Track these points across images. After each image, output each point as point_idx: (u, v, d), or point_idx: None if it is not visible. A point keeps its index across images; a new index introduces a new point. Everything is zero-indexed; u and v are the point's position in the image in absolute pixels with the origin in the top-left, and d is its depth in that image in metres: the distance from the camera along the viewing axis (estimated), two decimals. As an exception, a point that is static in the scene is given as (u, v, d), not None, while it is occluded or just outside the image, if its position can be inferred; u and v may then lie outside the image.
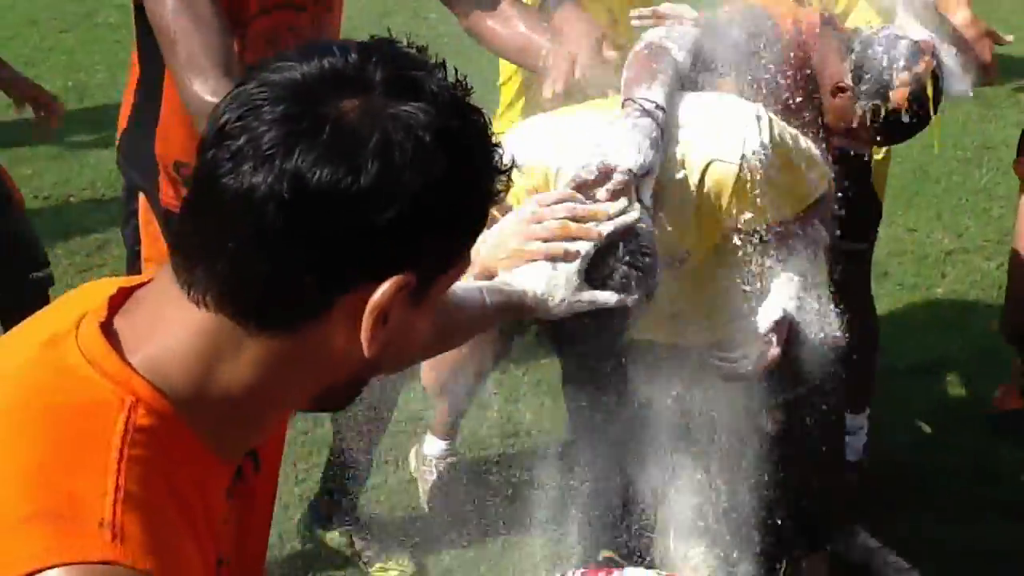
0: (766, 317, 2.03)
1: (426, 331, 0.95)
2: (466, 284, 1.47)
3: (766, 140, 1.99)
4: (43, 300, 2.93)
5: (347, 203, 0.83)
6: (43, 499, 0.80)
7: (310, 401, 0.95)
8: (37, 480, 0.81)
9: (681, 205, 2.01)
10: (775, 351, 2.03)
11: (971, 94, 2.35)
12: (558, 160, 1.97)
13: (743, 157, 1.98)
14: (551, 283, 1.52)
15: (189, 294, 0.87)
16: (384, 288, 0.87)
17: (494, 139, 0.92)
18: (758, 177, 2.00)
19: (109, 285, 0.94)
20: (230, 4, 2.02)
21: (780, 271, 2.07)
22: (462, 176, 0.88)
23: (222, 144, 0.85)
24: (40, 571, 0.77)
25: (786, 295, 2.06)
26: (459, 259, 0.93)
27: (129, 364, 0.87)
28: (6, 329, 2.63)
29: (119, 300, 0.92)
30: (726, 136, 1.99)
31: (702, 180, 2.00)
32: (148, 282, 0.94)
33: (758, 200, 2.02)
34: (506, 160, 0.93)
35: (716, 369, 2.07)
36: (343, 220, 0.84)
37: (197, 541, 0.88)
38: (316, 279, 0.85)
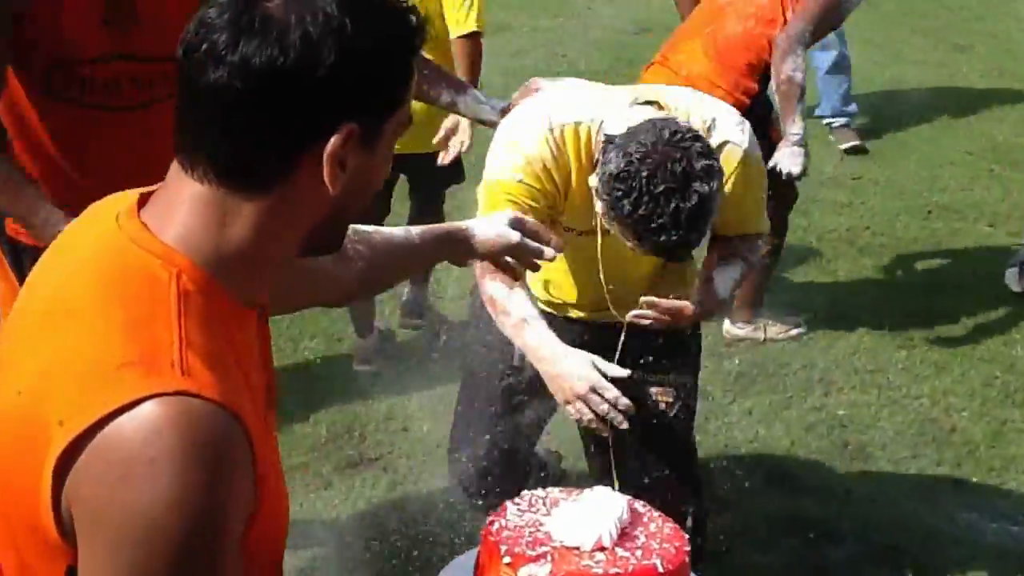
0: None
1: (383, 171, 1.18)
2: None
3: (755, 145, 2.40)
4: None
5: (284, 77, 1.06)
6: (130, 351, 1.02)
7: (305, 248, 1.17)
8: (125, 337, 1.03)
9: None
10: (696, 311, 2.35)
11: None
12: (599, 114, 2.26)
13: (747, 141, 2.36)
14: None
15: (192, 175, 1.10)
16: (333, 140, 1.09)
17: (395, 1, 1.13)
18: (752, 169, 2.37)
19: (132, 193, 1.17)
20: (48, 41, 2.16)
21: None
22: (371, 35, 1.09)
23: (190, 54, 1.09)
24: (132, 403, 0.99)
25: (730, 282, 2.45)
26: (395, 104, 1.14)
27: (164, 243, 1.09)
28: None
29: (143, 200, 1.15)
30: (734, 125, 2.36)
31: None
32: (161, 186, 1.15)
33: (748, 192, 2.38)
34: (412, 16, 1.14)
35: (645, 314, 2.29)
36: (285, 91, 1.07)
37: (243, 373, 1.11)
38: (278, 144, 1.09)
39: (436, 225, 1.78)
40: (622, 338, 2.38)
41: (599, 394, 2.12)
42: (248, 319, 1.16)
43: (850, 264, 4.97)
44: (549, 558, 1.23)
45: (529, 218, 1.76)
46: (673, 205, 2.05)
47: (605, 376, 2.19)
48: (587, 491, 1.34)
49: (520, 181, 2.27)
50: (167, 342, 1.04)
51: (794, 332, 4.31)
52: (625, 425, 2.14)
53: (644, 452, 2.48)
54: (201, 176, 1.10)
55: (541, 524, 1.28)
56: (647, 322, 2.32)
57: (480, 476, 2.57)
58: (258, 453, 1.07)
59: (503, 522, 1.30)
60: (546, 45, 7.57)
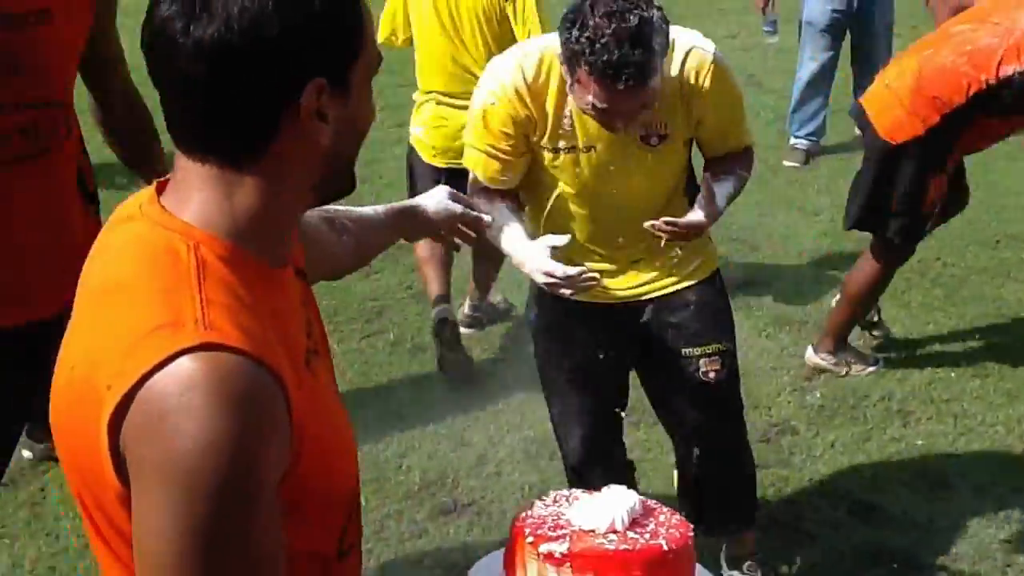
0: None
1: (367, 112, 1.27)
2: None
3: (726, 59, 2.58)
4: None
5: (236, 52, 1.13)
6: (160, 316, 1.12)
7: (319, 197, 1.28)
8: (155, 306, 1.13)
9: (667, 85, 2.42)
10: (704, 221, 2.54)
11: None
12: (552, 45, 2.44)
13: (715, 50, 2.55)
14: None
15: (191, 158, 1.20)
16: (304, 96, 1.17)
17: None
18: (724, 73, 2.55)
19: (151, 187, 1.27)
20: None
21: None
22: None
23: (152, 49, 1.18)
24: (165, 361, 1.08)
25: (724, 194, 2.59)
26: (353, 50, 1.21)
27: (183, 221, 1.19)
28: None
29: (161, 187, 1.25)
30: (701, 38, 2.54)
31: (684, 63, 2.49)
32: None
33: (723, 97, 2.55)
34: None
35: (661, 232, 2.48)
36: (241, 65, 1.14)
37: (277, 326, 1.19)
38: (253, 114, 1.17)
39: (395, 204, 1.93)
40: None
41: (550, 275, 2.38)
42: (280, 279, 1.26)
43: (922, 295, 5.09)
44: (567, 538, 1.41)
45: (462, 196, 1.95)
46: (614, 25, 2.22)
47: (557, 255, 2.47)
48: (605, 489, 1.51)
49: (493, 104, 2.46)
50: (189, 304, 1.13)
51: (872, 369, 4.40)
52: (586, 282, 2.41)
53: (704, 424, 2.73)
54: (198, 157, 1.20)
55: (563, 514, 1.48)
56: (663, 235, 2.49)
57: (587, 457, 2.80)
58: (294, 401, 1.14)
59: (529, 512, 1.50)
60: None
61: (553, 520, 1.47)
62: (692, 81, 2.51)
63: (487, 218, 1.94)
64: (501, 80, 2.47)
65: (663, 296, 2.65)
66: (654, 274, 2.64)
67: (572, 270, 2.36)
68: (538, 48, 2.50)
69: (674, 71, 2.47)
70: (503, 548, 1.54)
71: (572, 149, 2.47)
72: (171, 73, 1.17)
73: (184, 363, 1.09)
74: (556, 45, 2.39)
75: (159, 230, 1.20)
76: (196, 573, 1.08)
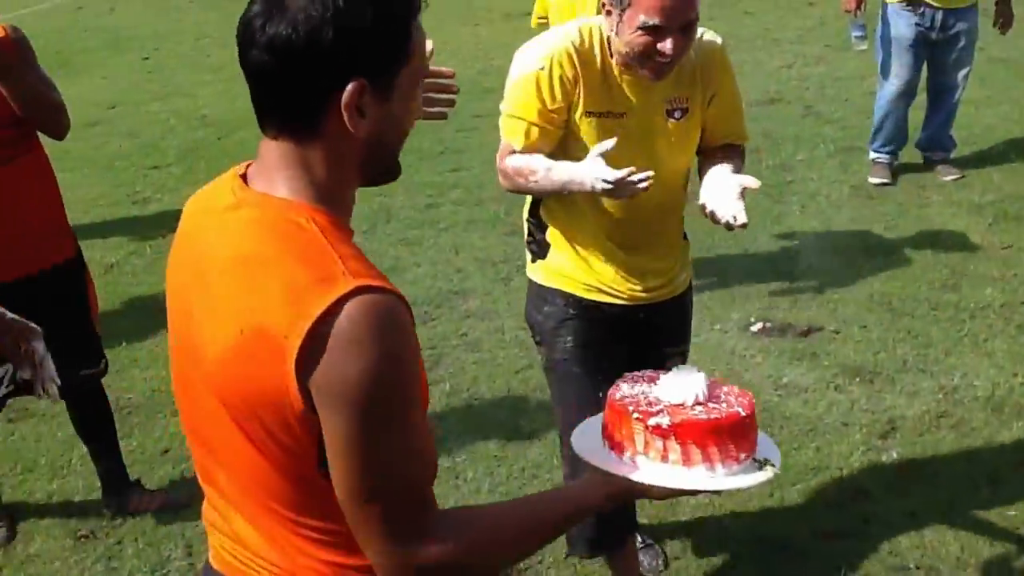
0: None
1: (408, 114, 1.48)
2: None
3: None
4: (97, 392, 3.74)
5: (298, 50, 1.38)
6: (311, 275, 1.36)
7: (367, 179, 1.50)
8: (304, 268, 1.36)
9: (687, 62, 2.65)
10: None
11: None
12: (584, 21, 2.68)
13: (722, 41, 2.77)
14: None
15: (270, 136, 1.46)
16: (346, 92, 1.40)
17: None
18: (729, 61, 2.77)
19: (237, 177, 1.52)
20: None
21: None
22: (364, 12, 1.39)
23: (242, 40, 1.43)
24: (331, 307, 1.33)
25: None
26: (398, 60, 1.43)
27: (285, 199, 1.44)
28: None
29: (243, 177, 1.51)
30: (709, 32, 2.74)
31: (700, 43, 2.67)
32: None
33: (730, 82, 2.76)
34: None
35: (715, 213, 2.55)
36: (301, 60, 1.38)
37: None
38: (309, 99, 1.40)
39: None
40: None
41: (607, 181, 2.47)
42: (352, 236, 1.50)
43: (1008, 342, 4.71)
44: (666, 412, 1.60)
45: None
46: None
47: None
48: (673, 369, 1.69)
49: (543, 69, 2.59)
50: (331, 262, 1.38)
51: None
52: (643, 184, 2.46)
53: None
54: (275, 135, 1.46)
55: (649, 392, 1.66)
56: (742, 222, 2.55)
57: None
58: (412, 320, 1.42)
59: (622, 392, 1.68)
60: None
61: (645, 398, 1.64)
62: (707, 60, 2.71)
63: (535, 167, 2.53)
64: (550, 46, 2.60)
65: (661, 302, 2.86)
66: (661, 281, 2.85)
67: (623, 171, 2.45)
68: (573, 25, 2.67)
69: (692, 50, 2.63)
70: (593, 418, 1.75)
71: (609, 115, 2.61)
72: (250, 61, 1.42)
73: (348, 307, 1.34)
74: (587, 21, 2.65)
75: (271, 210, 1.44)
76: (379, 465, 1.38)
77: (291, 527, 1.49)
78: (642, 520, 3.52)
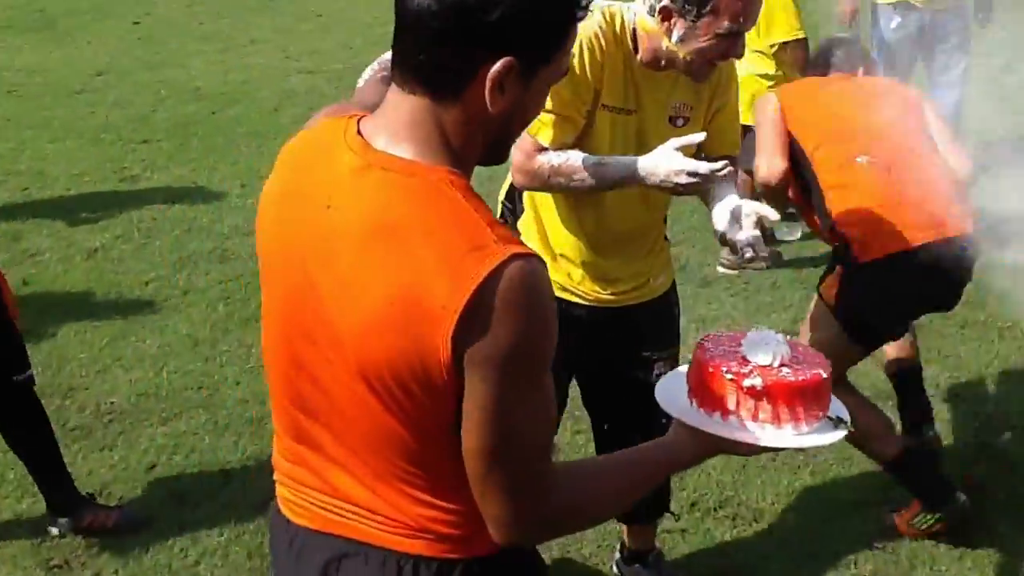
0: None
1: (536, 107, 1.54)
2: None
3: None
4: (29, 399, 3.38)
5: (467, 12, 1.41)
6: (464, 243, 1.40)
7: (484, 157, 1.53)
8: (455, 237, 1.41)
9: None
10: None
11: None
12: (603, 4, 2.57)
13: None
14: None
15: (406, 90, 1.47)
16: (496, 65, 1.43)
17: None
18: (735, 73, 2.72)
19: (341, 125, 1.55)
20: None
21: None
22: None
23: None
24: (489, 276, 1.39)
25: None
26: (550, 48, 1.48)
27: (419, 162, 1.47)
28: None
29: (357, 125, 1.53)
30: None
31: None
32: (358, 116, 1.56)
33: (734, 94, 2.69)
34: None
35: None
36: (465, 23, 1.42)
37: None
38: (460, 62, 1.44)
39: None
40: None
41: (693, 173, 2.40)
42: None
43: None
44: (756, 374, 1.63)
45: None
46: None
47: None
48: (752, 330, 1.72)
49: (572, 56, 2.38)
50: (481, 229, 1.41)
51: None
52: (724, 172, 2.43)
53: (645, 418, 2.57)
54: (412, 89, 1.45)
55: (736, 353, 1.68)
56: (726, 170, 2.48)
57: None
58: None
59: (709, 352, 1.69)
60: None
61: (732, 358, 1.67)
62: (724, 69, 2.63)
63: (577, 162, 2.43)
64: (581, 27, 2.47)
65: (632, 305, 2.79)
66: (632, 284, 2.77)
67: (712, 165, 2.41)
68: (595, 7, 2.54)
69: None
70: (677, 371, 1.79)
71: (623, 111, 2.54)
72: (414, 14, 1.42)
73: (505, 275, 1.38)
74: (608, 4, 2.55)
75: (412, 175, 1.45)
76: (511, 421, 1.44)
77: (403, 478, 1.54)
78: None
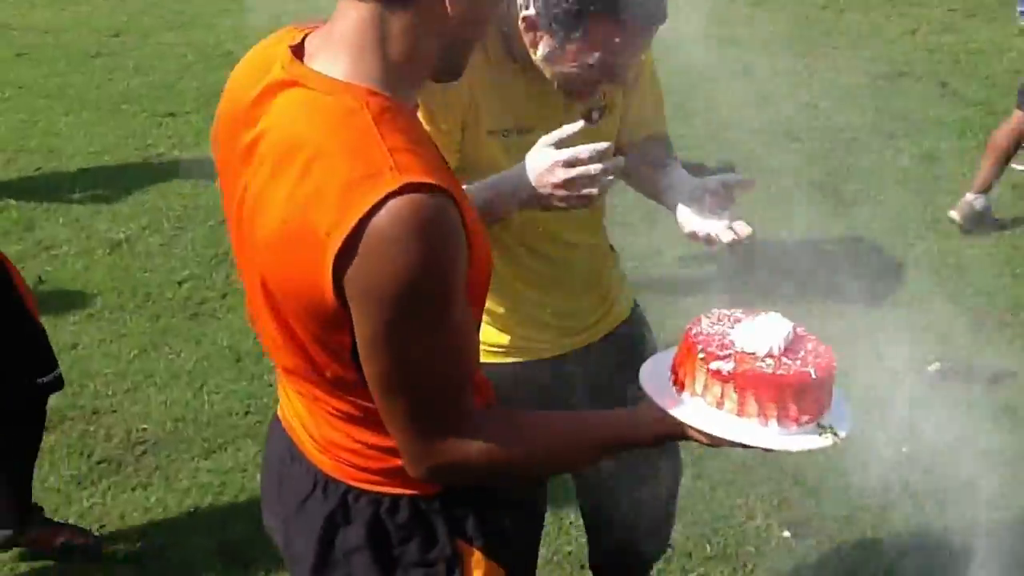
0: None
1: (490, 11, 1.48)
2: None
3: None
4: (42, 404, 3.11)
5: None
6: (359, 168, 1.36)
7: (437, 70, 1.48)
8: (351, 162, 1.37)
9: None
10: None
11: None
12: None
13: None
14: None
15: None
16: None
17: None
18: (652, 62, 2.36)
19: (287, 37, 1.51)
20: None
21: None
22: None
23: None
24: (376, 205, 1.33)
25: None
26: None
27: (343, 81, 1.42)
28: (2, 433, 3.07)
29: (299, 49, 1.49)
30: None
31: None
32: (312, 30, 1.51)
33: (653, 72, 2.34)
34: None
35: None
36: None
37: (436, 151, 1.49)
38: None
39: None
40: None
41: (572, 162, 1.95)
42: (415, 115, 1.54)
43: None
44: (732, 359, 1.56)
45: None
46: None
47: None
48: (763, 314, 1.62)
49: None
50: (380, 155, 1.36)
51: None
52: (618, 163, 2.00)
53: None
54: None
55: (727, 334, 1.61)
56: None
57: None
58: (466, 214, 1.41)
59: (700, 328, 1.63)
60: (793, 93, 6.35)
61: (719, 339, 1.59)
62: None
63: None
64: None
65: (597, 341, 2.40)
66: (595, 317, 2.39)
67: (595, 146, 1.94)
68: None
69: None
70: (669, 350, 1.68)
71: (513, 131, 2.14)
72: None
73: (391, 205, 1.33)
74: None
75: (324, 93, 1.41)
76: (410, 363, 1.42)
77: (324, 405, 1.57)
78: None
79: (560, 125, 2.02)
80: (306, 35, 1.50)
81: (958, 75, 6.83)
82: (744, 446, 1.55)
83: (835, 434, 1.56)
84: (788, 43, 7.20)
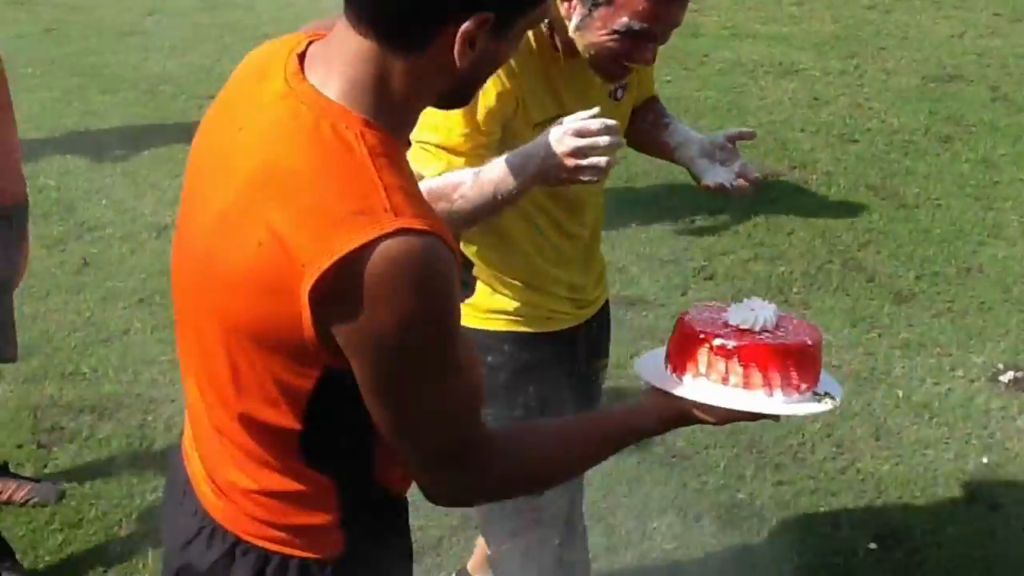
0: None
1: (509, 54, 1.40)
2: None
3: None
4: None
5: None
6: (349, 205, 1.27)
7: (438, 104, 1.42)
8: (342, 194, 1.28)
9: None
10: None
11: None
12: None
13: None
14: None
15: (358, 30, 1.32)
16: (469, 22, 1.29)
17: None
18: None
19: (294, 44, 1.41)
20: None
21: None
22: None
23: None
24: (368, 244, 1.25)
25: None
26: (528, 8, 1.34)
27: (338, 103, 1.33)
28: None
29: (302, 59, 1.39)
30: None
31: None
32: (320, 37, 1.40)
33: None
34: None
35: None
36: None
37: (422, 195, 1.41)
38: (429, 14, 1.29)
39: None
40: None
41: (582, 132, 1.96)
42: (405, 156, 1.42)
43: None
44: (732, 335, 1.59)
45: None
46: None
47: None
48: (745, 300, 1.66)
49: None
50: (375, 192, 1.28)
51: None
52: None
53: None
54: (365, 31, 1.31)
55: (718, 318, 1.64)
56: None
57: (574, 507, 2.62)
58: (455, 251, 1.36)
59: (691, 316, 1.66)
60: (845, 93, 6.25)
61: (712, 321, 1.62)
62: None
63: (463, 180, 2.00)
64: None
65: (598, 312, 2.54)
66: (601, 288, 2.55)
67: (606, 120, 1.97)
68: None
69: None
70: (658, 350, 1.69)
71: (558, 119, 2.07)
72: None
73: (386, 248, 1.25)
74: None
75: (320, 116, 1.32)
76: (417, 409, 1.37)
77: (240, 445, 1.47)
78: None
79: (594, 100, 2.11)
80: (311, 41, 1.41)
81: (1008, 80, 6.72)
82: (753, 417, 1.59)
83: (832, 399, 1.61)
84: (836, 42, 7.09)
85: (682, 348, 1.62)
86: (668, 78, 6.31)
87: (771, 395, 1.56)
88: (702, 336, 1.59)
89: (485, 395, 1.54)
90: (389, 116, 1.34)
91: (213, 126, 1.46)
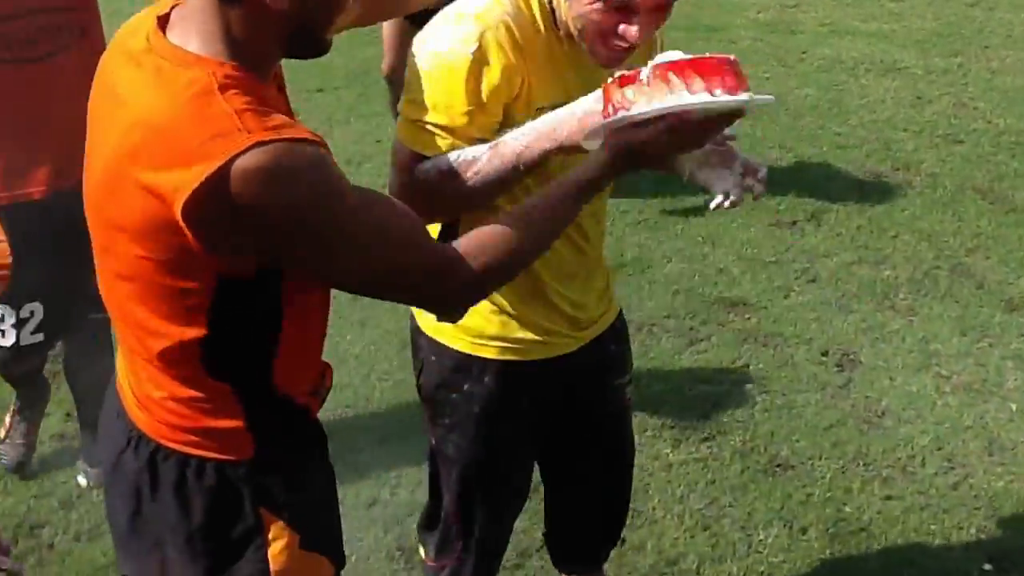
0: None
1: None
2: None
3: None
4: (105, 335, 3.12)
5: None
6: (206, 131, 1.39)
7: (288, 52, 1.53)
8: (199, 125, 1.40)
9: None
10: None
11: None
12: None
13: None
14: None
15: None
16: None
17: None
18: None
19: (157, 9, 1.56)
20: None
21: None
22: None
23: None
24: (229, 160, 1.37)
25: None
26: None
27: (195, 53, 1.47)
28: (66, 369, 3.46)
29: (163, 22, 1.54)
30: None
31: None
32: (182, 3, 1.53)
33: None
34: None
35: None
36: None
37: (286, 119, 1.48)
38: None
39: None
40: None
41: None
42: (269, 90, 1.54)
43: None
44: (649, 66, 1.66)
45: None
46: None
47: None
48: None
49: (472, 54, 1.99)
50: (227, 118, 1.39)
51: None
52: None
53: (616, 448, 2.58)
54: None
55: (642, 68, 1.68)
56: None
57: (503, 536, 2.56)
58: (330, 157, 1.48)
59: (613, 77, 1.72)
60: (949, 92, 6.15)
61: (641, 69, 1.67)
62: None
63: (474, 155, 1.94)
64: (478, 18, 2.02)
65: (600, 334, 2.42)
66: (603, 308, 2.41)
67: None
68: None
69: None
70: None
71: (561, 106, 2.03)
72: None
73: (244, 161, 1.36)
74: None
75: (177, 63, 1.46)
76: (357, 257, 1.50)
77: (148, 358, 1.60)
78: None
79: (595, 87, 2.02)
80: (175, 5, 1.55)
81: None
82: (713, 130, 1.68)
83: (768, 95, 1.69)
84: (938, 40, 6.95)
85: (615, 95, 1.69)
86: (767, 75, 6.23)
87: (713, 95, 1.62)
88: (642, 69, 1.65)
89: (414, 217, 1.60)
90: (243, 54, 1.48)
91: (99, 104, 1.59)
